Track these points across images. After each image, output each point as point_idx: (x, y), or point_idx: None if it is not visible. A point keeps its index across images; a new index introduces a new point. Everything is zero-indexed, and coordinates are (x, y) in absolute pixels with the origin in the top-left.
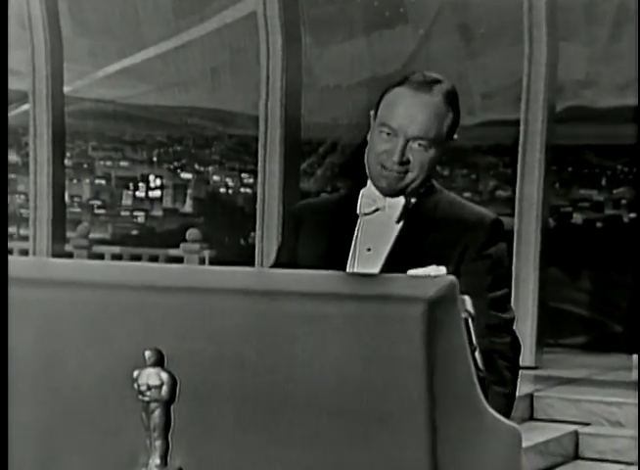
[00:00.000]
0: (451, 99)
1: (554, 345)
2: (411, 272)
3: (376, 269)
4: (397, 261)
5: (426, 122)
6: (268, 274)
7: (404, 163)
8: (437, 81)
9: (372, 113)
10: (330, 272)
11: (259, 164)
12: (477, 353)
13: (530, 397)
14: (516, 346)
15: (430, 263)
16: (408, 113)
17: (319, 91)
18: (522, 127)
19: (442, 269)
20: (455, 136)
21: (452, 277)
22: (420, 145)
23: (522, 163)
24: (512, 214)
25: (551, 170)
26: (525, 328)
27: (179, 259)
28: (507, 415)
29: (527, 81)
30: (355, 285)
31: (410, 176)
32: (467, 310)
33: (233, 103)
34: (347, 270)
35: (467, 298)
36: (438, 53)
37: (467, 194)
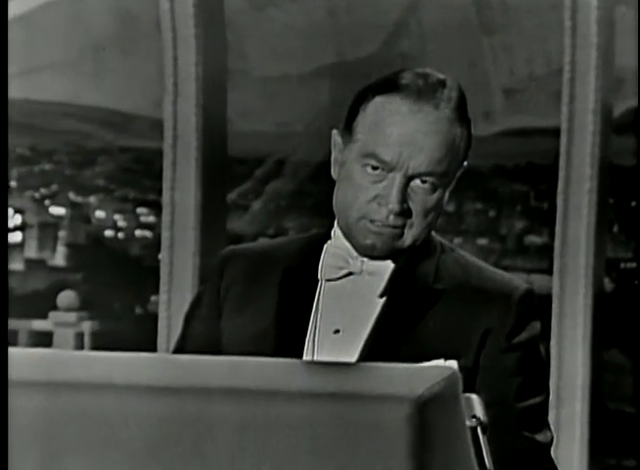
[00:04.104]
0: (462, 110)
1: (615, 468)
2: None
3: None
4: (382, 351)
5: (436, 151)
6: (179, 363)
7: (405, 212)
8: (442, 84)
9: (336, 132)
10: (274, 360)
11: (165, 192)
12: None
13: None
14: None
15: (431, 356)
16: (408, 137)
17: (256, 83)
18: (563, 139)
19: (452, 365)
20: (465, 163)
21: (452, 367)
22: (425, 183)
23: (563, 192)
24: (549, 271)
25: (607, 205)
26: (572, 441)
27: (47, 336)
28: None
29: (571, 70)
30: (313, 378)
31: (411, 234)
32: (475, 416)
33: (126, 99)
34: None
35: (474, 397)
36: (436, 25)
37: (482, 241)
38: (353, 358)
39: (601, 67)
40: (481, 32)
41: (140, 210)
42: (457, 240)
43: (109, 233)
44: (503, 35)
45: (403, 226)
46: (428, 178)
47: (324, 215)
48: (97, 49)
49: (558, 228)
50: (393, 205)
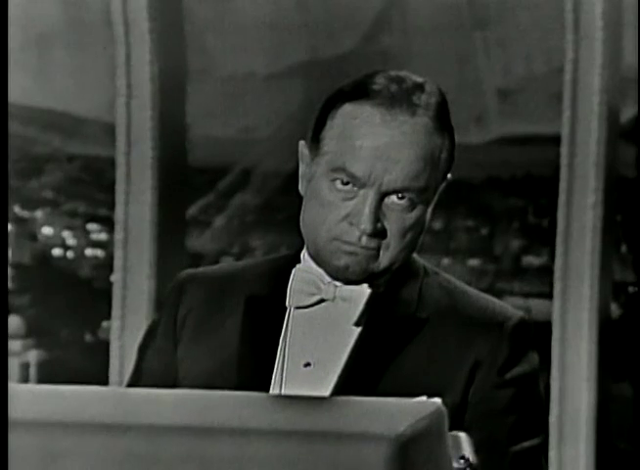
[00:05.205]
0: (443, 116)
1: None
2: None
3: None
4: (357, 387)
5: (413, 164)
6: (132, 398)
7: (379, 232)
8: (419, 87)
9: (303, 144)
10: (238, 394)
11: (118, 206)
12: None
13: None
14: None
15: (413, 393)
16: (381, 149)
17: (219, 83)
18: (564, 148)
19: (436, 403)
20: (449, 175)
21: (437, 403)
22: (402, 199)
23: (565, 208)
24: (549, 295)
25: (613, 221)
26: None
27: None
28: None
29: (573, 69)
30: (282, 414)
31: (387, 256)
32: (463, 458)
33: (75, 100)
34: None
35: (463, 436)
36: (422, 18)
37: (474, 261)
38: (326, 394)
39: (606, 65)
40: (473, 26)
41: (90, 226)
42: (446, 261)
43: (57, 252)
44: (497, 29)
45: (378, 248)
46: (405, 194)
47: (294, 233)
48: (40, 42)
49: (559, 247)
50: (366, 225)
